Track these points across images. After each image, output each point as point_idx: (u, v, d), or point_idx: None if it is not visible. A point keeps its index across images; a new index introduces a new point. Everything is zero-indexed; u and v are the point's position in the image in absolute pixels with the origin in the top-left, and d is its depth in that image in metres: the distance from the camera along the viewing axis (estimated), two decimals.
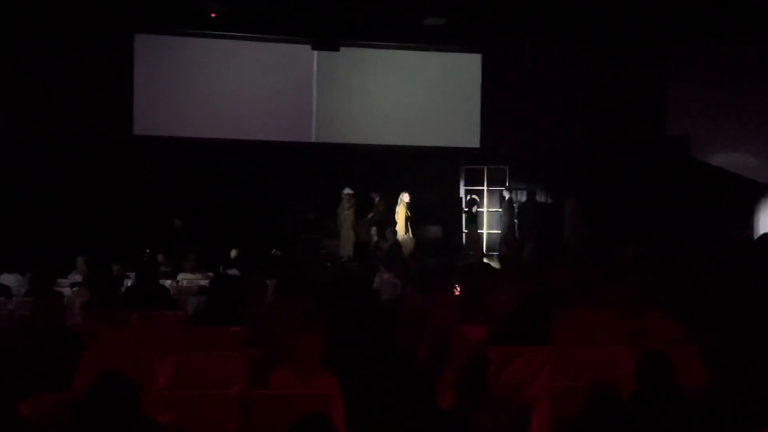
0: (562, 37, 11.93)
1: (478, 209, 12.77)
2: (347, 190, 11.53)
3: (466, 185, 13.11)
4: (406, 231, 11.43)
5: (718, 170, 11.91)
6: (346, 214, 11.44)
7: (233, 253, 8.35)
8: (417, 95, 12.62)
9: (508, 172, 13.03)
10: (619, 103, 12.23)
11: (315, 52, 12.10)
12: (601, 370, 3.88)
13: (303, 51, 12.04)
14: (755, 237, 11.22)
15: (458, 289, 6.36)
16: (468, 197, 12.87)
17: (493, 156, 12.83)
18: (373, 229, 11.36)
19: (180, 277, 7.71)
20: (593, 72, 12.42)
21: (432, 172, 12.58)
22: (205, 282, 7.00)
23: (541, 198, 13.20)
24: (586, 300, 5.63)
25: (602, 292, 5.90)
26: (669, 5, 10.56)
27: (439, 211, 12.58)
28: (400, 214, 11.46)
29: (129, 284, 6.58)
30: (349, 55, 12.20)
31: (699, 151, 12.15)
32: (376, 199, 11.68)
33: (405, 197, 11.53)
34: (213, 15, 11.08)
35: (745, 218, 12.12)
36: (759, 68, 11.52)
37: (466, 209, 12.79)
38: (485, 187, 13.11)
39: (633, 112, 12.32)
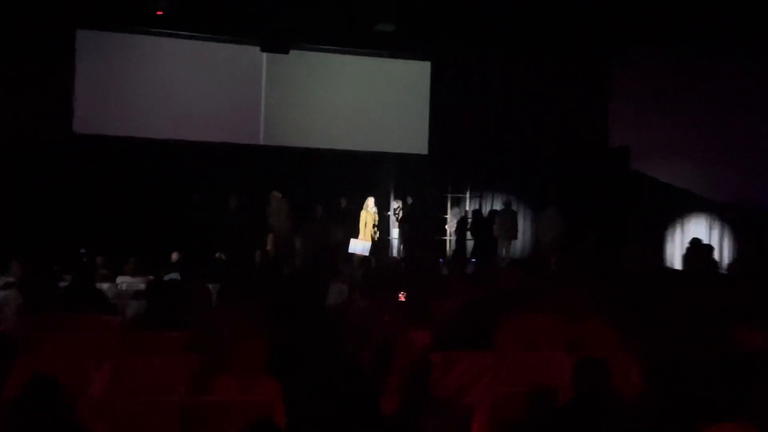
0: (510, 50, 12.18)
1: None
2: (275, 193, 11.34)
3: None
4: (365, 236, 11.37)
5: (654, 180, 12.40)
6: (273, 218, 11.27)
7: (174, 256, 8.17)
8: (366, 101, 12.66)
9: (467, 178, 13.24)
10: (564, 115, 12.56)
11: (264, 54, 11.99)
12: (542, 375, 3.98)
13: (252, 52, 11.90)
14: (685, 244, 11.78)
15: (404, 295, 6.38)
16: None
17: (440, 163, 12.95)
18: (269, 237, 11.15)
19: (119, 280, 7.52)
20: (540, 85, 12.71)
21: (378, 178, 12.63)
22: (145, 286, 6.83)
23: (488, 205, 13.44)
24: (529, 305, 5.74)
25: (545, 297, 6.03)
26: (612, 23, 10.96)
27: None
28: (363, 219, 11.43)
29: (65, 287, 6.34)
30: (298, 58, 12.13)
31: (637, 162, 12.61)
32: (319, 210, 11.52)
33: (370, 202, 11.49)
34: (159, 13, 10.83)
35: (679, 227, 12.70)
36: (693, 84, 12.09)
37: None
38: (449, 194, 13.28)
39: (577, 124, 12.68)
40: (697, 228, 12.57)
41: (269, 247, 10.85)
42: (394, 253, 12.09)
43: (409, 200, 12.31)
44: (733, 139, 11.76)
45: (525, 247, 13.32)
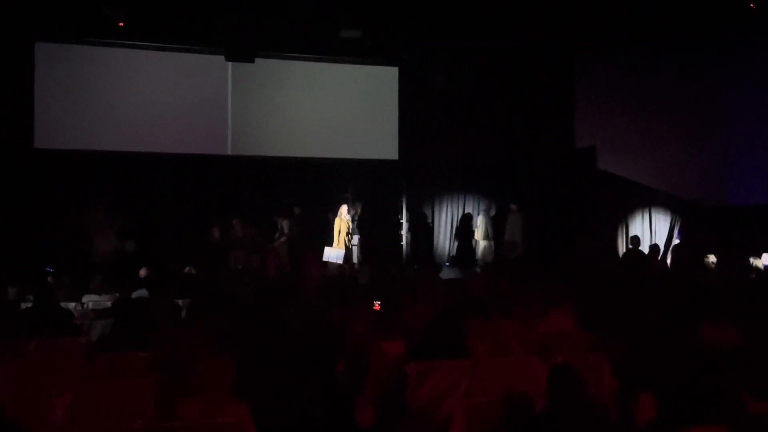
0: (478, 54, 12.22)
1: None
2: (236, 221, 11.00)
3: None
4: (338, 243, 11.25)
5: (620, 179, 12.60)
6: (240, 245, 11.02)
7: (142, 272, 7.97)
8: (334, 108, 12.57)
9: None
10: (532, 118, 12.64)
11: (230, 63, 11.85)
12: (517, 382, 3.93)
13: (217, 62, 11.76)
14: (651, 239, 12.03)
15: (378, 304, 6.30)
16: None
17: (411, 169, 12.92)
18: (271, 259, 10.94)
19: (85, 299, 7.30)
20: (507, 89, 12.77)
21: (347, 184, 12.56)
22: (112, 303, 6.64)
23: (460, 209, 13.45)
24: (499, 310, 5.71)
25: (514, 300, 6.01)
26: (576, 30, 11.14)
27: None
28: (336, 227, 11.33)
29: (27, 308, 6.14)
30: (264, 66, 12.01)
31: (603, 162, 12.77)
32: (282, 223, 11.36)
33: (343, 210, 11.41)
34: (121, 24, 10.61)
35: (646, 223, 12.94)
36: (652, 87, 12.39)
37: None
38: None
39: (545, 126, 12.77)
40: (663, 224, 12.84)
41: (272, 271, 10.34)
42: (355, 259, 11.96)
43: (358, 208, 12.26)
44: (689, 140, 12.14)
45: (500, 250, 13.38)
